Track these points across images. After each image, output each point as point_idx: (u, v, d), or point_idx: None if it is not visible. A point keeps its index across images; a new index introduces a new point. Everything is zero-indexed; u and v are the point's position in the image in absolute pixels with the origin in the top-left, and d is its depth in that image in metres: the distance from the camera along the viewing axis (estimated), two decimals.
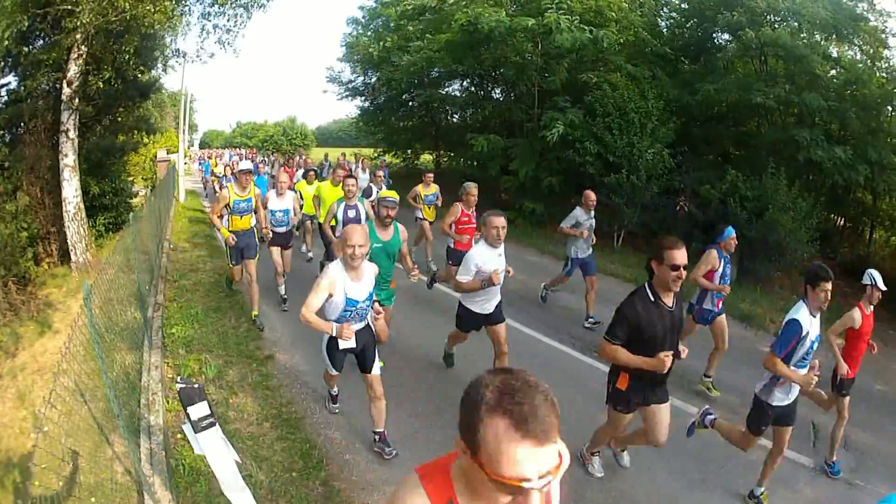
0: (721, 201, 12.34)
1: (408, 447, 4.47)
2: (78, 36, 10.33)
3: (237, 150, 47.10)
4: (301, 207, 8.86)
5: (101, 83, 11.45)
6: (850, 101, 12.61)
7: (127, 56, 11.57)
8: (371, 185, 9.76)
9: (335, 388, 4.91)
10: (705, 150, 15.54)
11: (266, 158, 30.53)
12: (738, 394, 5.59)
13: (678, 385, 5.73)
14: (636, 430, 4.07)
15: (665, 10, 17.48)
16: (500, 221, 4.72)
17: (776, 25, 13.37)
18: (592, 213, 7.75)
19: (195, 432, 2.92)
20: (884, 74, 13.29)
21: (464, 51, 16.70)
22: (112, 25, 10.25)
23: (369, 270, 4.12)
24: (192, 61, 20.52)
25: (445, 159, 25.03)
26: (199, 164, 34.83)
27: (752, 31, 12.71)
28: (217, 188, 14.18)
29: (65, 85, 10.77)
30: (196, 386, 2.95)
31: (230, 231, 6.99)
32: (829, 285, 3.80)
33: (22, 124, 11.64)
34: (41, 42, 11.42)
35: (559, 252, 11.94)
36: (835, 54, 13.81)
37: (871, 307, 4.74)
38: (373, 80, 24.57)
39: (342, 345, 3.97)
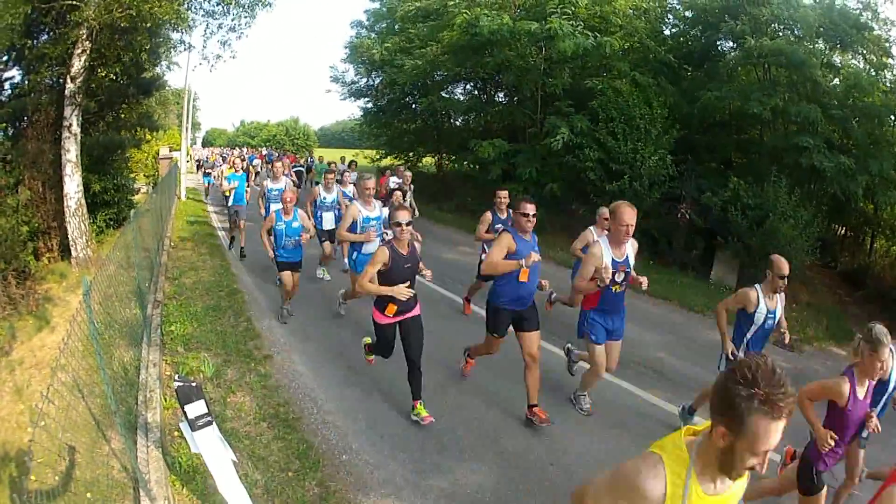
0: (722, 209, 12.34)
1: (408, 444, 4.47)
2: (82, 31, 10.35)
3: (257, 150, 45.76)
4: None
5: (110, 76, 11.51)
6: (853, 110, 12.61)
7: (134, 52, 11.59)
8: None
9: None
10: (707, 158, 15.55)
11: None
12: None
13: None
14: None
15: (669, 17, 17.49)
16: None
17: (779, 34, 13.38)
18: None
19: (192, 430, 2.91)
20: (887, 83, 13.29)
21: (466, 54, 16.71)
22: (117, 21, 10.25)
23: None
24: (199, 64, 20.56)
25: (447, 162, 25.02)
26: (204, 171, 26.17)
27: (754, 40, 12.72)
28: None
29: (68, 80, 10.78)
30: (194, 384, 2.94)
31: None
32: None
33: (25, 118, 11.68)
34: (45, 36, 11.44)
35: (559, 256, 11.95)
36: (838, 63, 13.81)
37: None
38: (376, 81, 24.56)
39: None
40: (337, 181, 9.83)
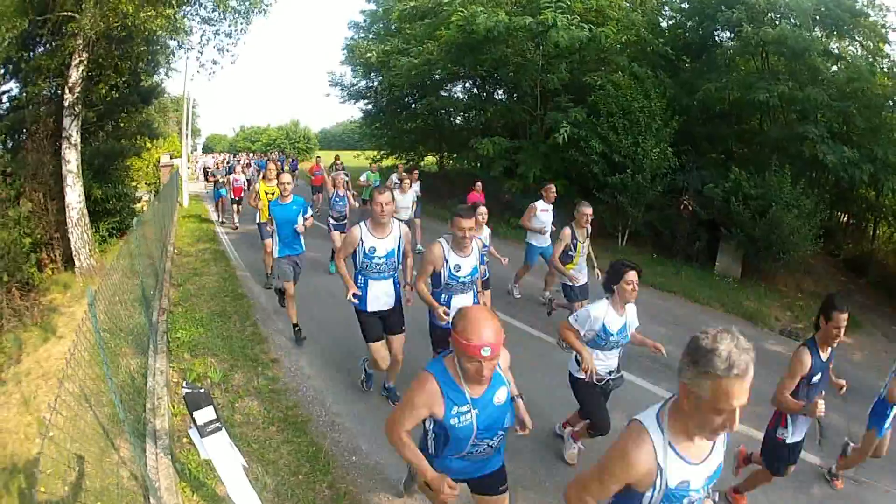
0: (724, 200, 12.31)
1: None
2: (79, 42, 10.36)
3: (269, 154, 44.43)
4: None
5: (108, 88, 11.52)
6: (853, 98, 12.55)
7: (132, 61, 11.61)
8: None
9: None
10: (708, 149, 15.51)
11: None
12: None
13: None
14: None
15: (665, 9, 17.46)
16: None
17: (776, 22, 13.32)
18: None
19: (201, 437, 2.90)
20: (885, 70, 13.22)
21: (463, 52, 16.66)
22: (114, 31, 10.26)
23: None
24: (197, 72, 20.70)
25: (450, 161, 25.02)
26: (215, 182, 19.66)
27: (751, 28, 12.67)
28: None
29: (66, 91, 10.79)
30: (202, 390, 2.93)
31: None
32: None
33: (24, 130, 11.69)
34: (42, 48, 11.46)
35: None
36: (836, 50, 13.75)
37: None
38: (375, 83, 24.55)
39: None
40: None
